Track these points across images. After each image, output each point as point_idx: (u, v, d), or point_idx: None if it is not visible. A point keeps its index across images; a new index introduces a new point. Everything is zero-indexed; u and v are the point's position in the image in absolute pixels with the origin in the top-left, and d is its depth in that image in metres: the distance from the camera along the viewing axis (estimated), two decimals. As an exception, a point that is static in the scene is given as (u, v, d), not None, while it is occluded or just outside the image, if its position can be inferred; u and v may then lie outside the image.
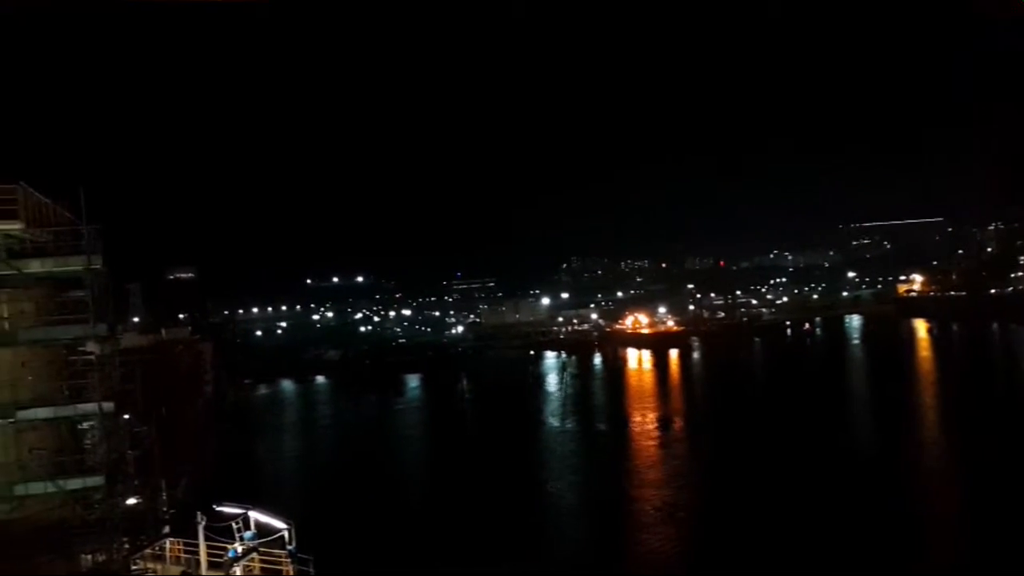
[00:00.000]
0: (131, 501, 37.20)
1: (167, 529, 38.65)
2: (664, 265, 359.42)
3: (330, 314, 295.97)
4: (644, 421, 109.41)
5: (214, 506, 32.35)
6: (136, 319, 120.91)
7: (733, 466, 78.60)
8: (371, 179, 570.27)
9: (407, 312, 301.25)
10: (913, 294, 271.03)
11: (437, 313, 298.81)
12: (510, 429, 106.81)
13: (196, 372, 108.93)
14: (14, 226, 31.19)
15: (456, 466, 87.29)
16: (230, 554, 31.21)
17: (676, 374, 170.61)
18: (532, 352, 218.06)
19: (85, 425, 34.95)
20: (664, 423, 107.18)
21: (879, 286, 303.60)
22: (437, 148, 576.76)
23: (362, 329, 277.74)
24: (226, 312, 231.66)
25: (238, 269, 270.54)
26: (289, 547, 31.21)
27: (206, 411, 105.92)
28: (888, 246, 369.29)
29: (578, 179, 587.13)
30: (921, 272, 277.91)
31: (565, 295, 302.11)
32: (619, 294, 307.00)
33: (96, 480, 31.92)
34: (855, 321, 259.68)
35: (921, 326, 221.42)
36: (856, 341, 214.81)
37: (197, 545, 31.81)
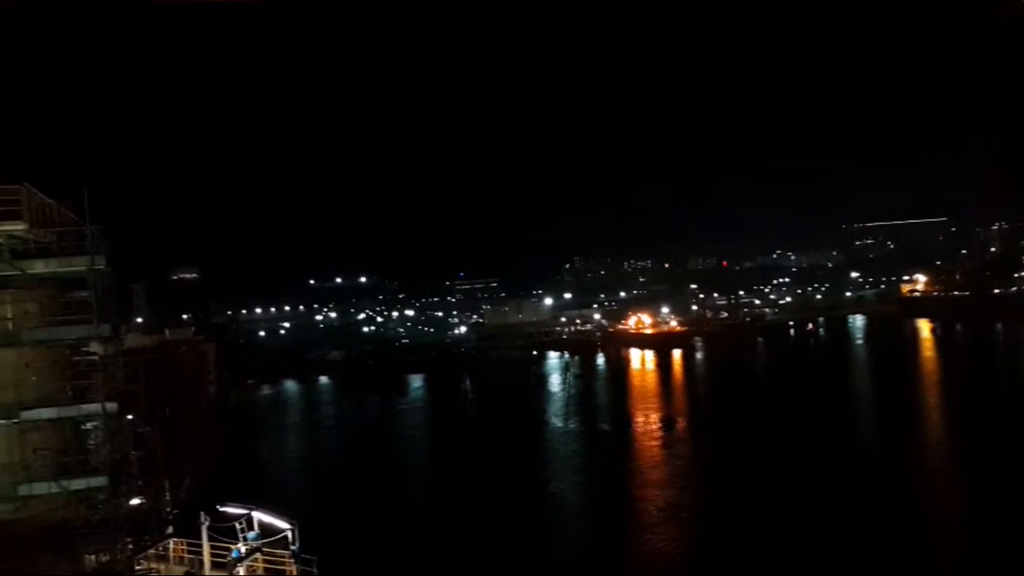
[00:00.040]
0: (135, 501, 37.24)
1: (171, 529, 38.71)
2: (667, 265, 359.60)
3: (333, 314, 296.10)
4: (647, 421, 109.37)
5: (218, 506, 32.40)
6: (140, 319, 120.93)
7: (736, 466, 78.53)
8: (374, 179, 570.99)
9: (410, 312, 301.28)
10: (916, 294, 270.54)
11: (440, 313, 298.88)
12: (513, 429, 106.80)
13: (200, 372, 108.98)
14: (18, 227, 31.25)
15: (459, 466, 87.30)
16: (234, 554, 31.26)
17: (679, 374, 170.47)
18: (535, 352, 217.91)
19: (89, 425, 35.02)
20: (667, 423, 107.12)
21: (882, 286, 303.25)
22: (440, 148, 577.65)
23: (365, 329, 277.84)
24: (230, 312, 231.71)
25: (242, 269, 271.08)
26: (292, 547, 31.25)
27: (209, 411, 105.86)
28: (891, 246, 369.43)
29: (581, 179, 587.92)
30: (924, 272, 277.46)
31: (568, 295, 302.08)
32: (622, 294, 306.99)
33: (100, 480, 31.96)
34: (858, 321, 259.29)
35: (925, 326, 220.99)
36: (859, 341, 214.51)
37: (201, 545, 31.86)
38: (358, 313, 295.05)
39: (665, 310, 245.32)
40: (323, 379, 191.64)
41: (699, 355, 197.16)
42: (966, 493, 67.78)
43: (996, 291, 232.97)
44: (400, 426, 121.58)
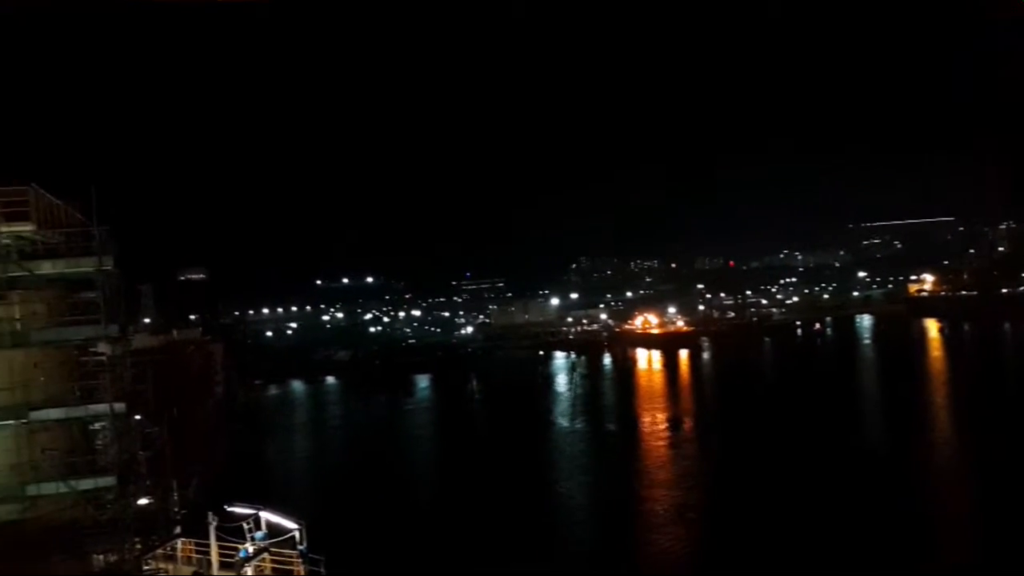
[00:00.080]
0: (143, 501, 37.32)
1: (179, 529, 38.79)
2: (674, 265, 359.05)
3: (340, 315, 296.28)
4: (654, 421, 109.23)
5: (225, 506, 32.40)
6: (147, 320, 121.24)
7: (743, 466, 78.40)
8: (381, 180, 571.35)
9: (417, 312, 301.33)
10: (924, 294, 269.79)
11: (446, 313, 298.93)
12: (520, 429, 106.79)
13: (207, 373, 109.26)
14: (26, 228, 31.34)
15: (466, 466, 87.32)
16: (241, 554, 31.26)
17: (686, 374, 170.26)
18: (541, 352, 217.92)
19: (97, 426, 35.04)
20: (674, 423, 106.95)
21: (890, 286, 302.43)
22: (447, 149, 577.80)
23: (372, 330, 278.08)
24: (237, 313, 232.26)
25: (249, 270, 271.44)
26: (300, 547, 31.25)
27: (217, 412, 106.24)
28: (899, 245, 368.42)
29: (587, 179, 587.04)
30: (932, 272, 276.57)
31: (574, 295, 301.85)
32: (628, 294, 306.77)
33: (108, 480, 32.02)
34: (866, 321, 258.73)
35: (932, 326, 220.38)
36: (867, 341, 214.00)
37: (209, 545, 31.87)
38: (365, 313, 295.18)
39: (672, 310, 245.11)
40: (330, 379, 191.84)
41: (706, 355, 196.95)
42: (974, 493, 67.57)
43: (1004, 291, 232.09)
44: (407, 426, 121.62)
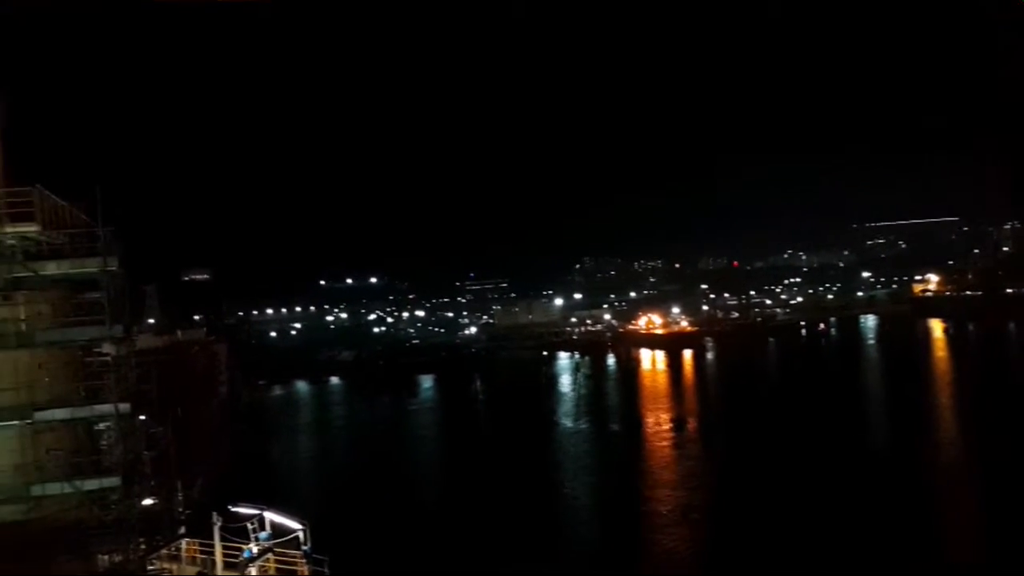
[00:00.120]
0: (147, 502, 37.30)
1: (183, 529, 38.77)
2: (677, 265, 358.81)
3: (344, 315, 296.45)
4: (658, 422, 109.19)
5: (229, 507, 32.46)
6: (152, 320, 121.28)
7: (748, 467, 78.31)
8: (385, 180, 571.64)
9: (420, 313, 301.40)
10: (929, 294, 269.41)
11: (450, 314, 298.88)
12: (524, 430, 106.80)
13: (211, 373, 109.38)
14: (30, 228, 31.33)
15: (471, 467, 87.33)
16: (245, 554, 31.31)
17: (690, 374, 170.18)
18: (545, 353, 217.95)
19: (101, 426, 35.04)
20: (678, 424, 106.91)
21: (894, 286, 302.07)
22: (451, 149, 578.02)
23: (376, 330, 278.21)
24: (241, 313, 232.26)
25: (253, 270, 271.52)
26: (304, 547, 31.28)
27: (221, 412, 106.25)
28: (903, 245, 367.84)
29: (591, 179, 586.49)
30: (937, 272, 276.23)
31: (578, 295, 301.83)
32: (632, 294, 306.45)
33: (113, 481, 32.00)
34: (870, 321, 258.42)
35: (937, 326, 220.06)
36: (871, 341, 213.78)
37: (213, 545, 31.92)
38: (369, 314, 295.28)
39: (676, 310, 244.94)
40: (334, 380, 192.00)
41: (710, 355, 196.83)
42: (979, 493, 67.41)
43: (1009, 291, 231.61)
44: (411, 426, 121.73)
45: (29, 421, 31.21)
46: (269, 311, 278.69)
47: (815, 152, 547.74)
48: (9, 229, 31.11)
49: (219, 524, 31.47)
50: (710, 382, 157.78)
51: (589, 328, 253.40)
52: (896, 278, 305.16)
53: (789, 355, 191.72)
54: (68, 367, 34.71)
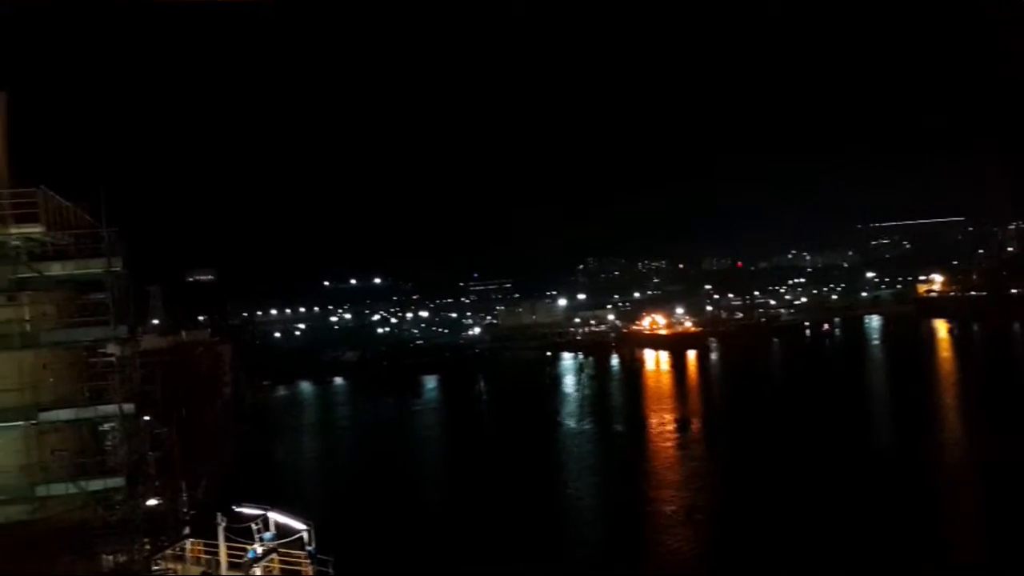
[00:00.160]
0: (152, 502, 37.36)
1: (187, 530, 38.82)
2: (681, 266, 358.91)
3: (348, 316, 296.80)
4: (662, 422, 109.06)
5: (234, 507, 32.48)
6: (156, 321, 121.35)
7: (752, 468, 78.20)
8: (388, 181, 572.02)
9: (424, 313, 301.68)
10: (933, 294, 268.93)
11: (454, 314, 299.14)
12: (527, 430, 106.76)
13: (215, 374, 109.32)
14: (35, 229, 31.42)
15: (474, 467, 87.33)
16: (250, 555, 31.32)
17: (694, 375, 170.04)
18: (549, 353, 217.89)
19: (106, 426, 35.09)
20: (682, 424, 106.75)
21: (899, 286, 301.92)
22: (455, 149, 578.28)
23: (380, 330, 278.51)
24: (245, 314, 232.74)
25: (257, 271, 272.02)
26: (308, 548, 31.29)
27: (225, 412, 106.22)
28: (907, 246, 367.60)
29: (595, 180, 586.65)
30: (941, 272, 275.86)
31: (582, 296, 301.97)
32: (636, 295, 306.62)
33: (117, 481, 32.06)
34: (875, 322, 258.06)
35: (942, 326, 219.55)
36: (876, 342, 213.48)
37: (217, 546, 31.94)
38: (372, 314, 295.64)
39: (679, 311, 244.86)
40: (338, 380, 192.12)
41: (714, 356, 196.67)
42: (984, 494, 67.24)
43: (1013, 291, 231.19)
44: (415, 427, 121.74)
45: (34, 422, 31.30)
46: (273, 312, 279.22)
47: (819, 152, 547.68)
48: (14, 230, 31.21)
49: (223, 524, 31.50)
50: (714, 383, 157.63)
51: (593, 328, 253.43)
52: (900, 278, 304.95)
53: (793, 356, 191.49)
54: (73, 368, 34.79)
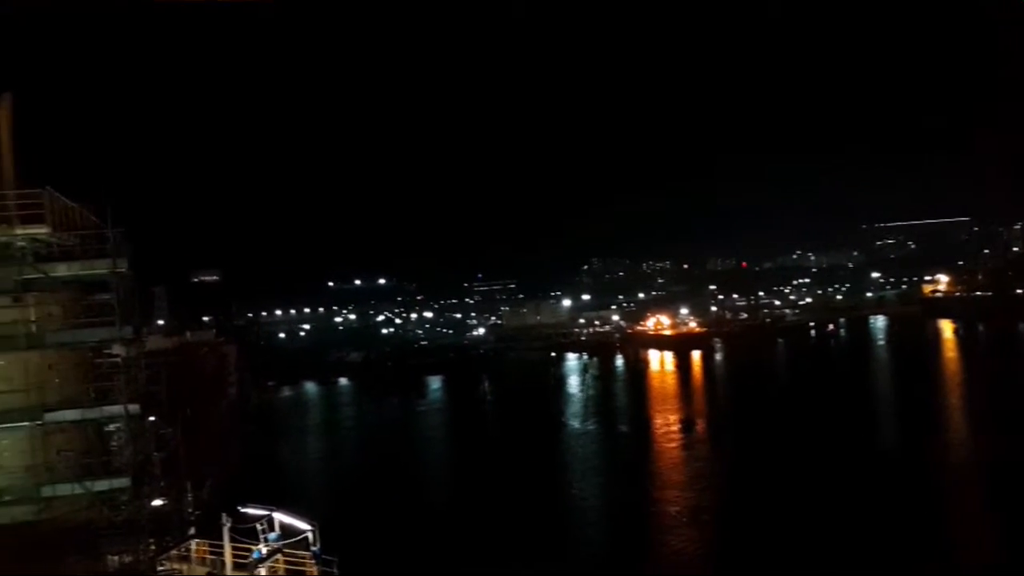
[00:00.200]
0: (157, 502, 37.46)
1: (192, 530, 38.89)
2: (686, 266, 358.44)
3: (352, 316, 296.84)
4: (666, 423, 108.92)
5: (239, 507, 32.51)
6: (161, 322, 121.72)
7: (757, 468, 78.09)
8: (393, 182, 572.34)
9: (429, 314, 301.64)
10: (939, 294, 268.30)
11: (458, 315, 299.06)
12: (532, 431, 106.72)
13: (220, 374, 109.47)
14: (41, 230, 31.51)
15: (479, 467, 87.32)
16: (255, 555, 31.36)
17: (698, 375, 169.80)
18: (553, 354, 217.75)
19: (111, 427, 35.20)
20: (687, 425, 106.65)
21: (904, 287, 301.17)
22: (459, 150, 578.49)
23: (384, 331, 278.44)
24: (250, 315, 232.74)
25: (262, 272, 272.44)
26: (313, 548, 31.34)
27: (230, 413, 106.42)
28: (913, 246, 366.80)
29: (600, 181, 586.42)
30: (946, 272, 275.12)
31: (586, 296, 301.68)
32: (640, 295, 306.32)
33: (122, 482, 32.16)
34: (880, 322, 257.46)
35: (947, 327, 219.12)
36: (881, 342, 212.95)
37: (222, 546, 31.98)
38: (377, 315, 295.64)
39: (684, 311, 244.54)
40: (343, 381, 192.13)
41: (718, 356, 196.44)
42: (989, 494, 67.07)
43: (1019, 291, 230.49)
44: (419, 427, 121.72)
45: (40, 422, 31.39)
46: (278, 312, 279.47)
47: (824, 152, 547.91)
48: (20, 231, 31.31)
49: (228, 525, 31.53)
50: (719, 383, 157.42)
51: (597, 329, 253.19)
52: (906, 279, 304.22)
53: (798, 356, 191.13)
54: (78, 368, 34.88)
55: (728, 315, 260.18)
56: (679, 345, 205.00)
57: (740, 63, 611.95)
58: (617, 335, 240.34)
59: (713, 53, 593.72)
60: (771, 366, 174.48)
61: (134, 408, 32.63)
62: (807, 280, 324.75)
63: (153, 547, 33.80)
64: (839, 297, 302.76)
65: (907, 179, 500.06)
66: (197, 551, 33.61)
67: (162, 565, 33.14)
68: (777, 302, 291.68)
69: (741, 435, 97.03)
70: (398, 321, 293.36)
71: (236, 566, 31.92)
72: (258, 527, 31.77)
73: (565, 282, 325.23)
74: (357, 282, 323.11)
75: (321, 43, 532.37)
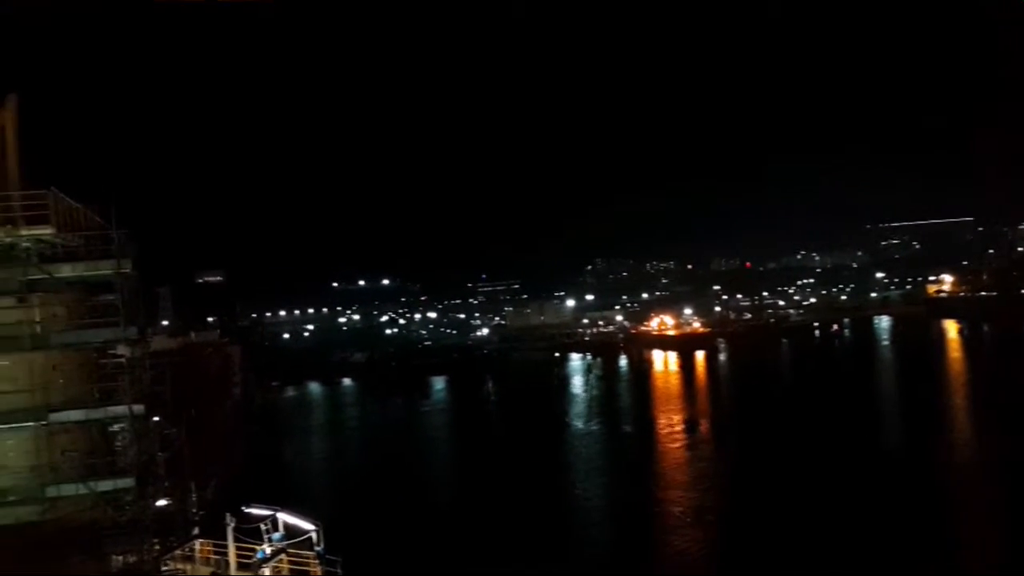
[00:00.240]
0: (161, 502, 37.50)
1: (197, 530, 38.94)
2: (689, 266, 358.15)
3: (356, 316, 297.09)
4: (670, 423, 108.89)
5: (243, 507, 32.56)
6: (166, 322, 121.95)
7: (761, 468, 78.01)
8: (397, 183, 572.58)
9: (432, 314, 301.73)
10: (943, 295, 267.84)
11: (462, 315, 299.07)
12: (536, 431, 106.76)
13: (225, 374, 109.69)
14: (45, 231, 31.53)
15: (483, 468, 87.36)
16: (259, 555, 31.41)
17: (702, 376, 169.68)
18: (557, 354, 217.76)
19: (116, 427, 35.22)
20: (690, 425, 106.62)
21: (908, 287, 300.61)
22: (463, 150, 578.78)
23: (388, 331, 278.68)
24: (254, 315, 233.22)
25: (266, 273, 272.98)
26: (317, 548, 31.37)
27: (235, 413, 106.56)
28: (917, 246, 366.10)
29: (603, 181, 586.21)
30: (951, 272, 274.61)
31: (590, 297, 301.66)
32: (644, 295, 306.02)
33: (127, 482, 32.16)
34: (884, 322, 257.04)
35: (952, 327, 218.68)
36: (885, 342, 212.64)
37: (226, 546, 32.03)
38: (381, 315, 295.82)
39: (688, 311, 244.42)
40: (346, 381, 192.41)
41: (722, 356, 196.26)
42: (995, 494, 66.93)
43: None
44: (423, 428, 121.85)
45: (44, 422, 31.41)
46: (282, 313, 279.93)
47: (828, 152, 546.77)
48: (24, 232, 31.33)
49: (232, 525, 31.57)
50: (723, 383, 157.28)
51: (601, 329, 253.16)
52: (910, 279, 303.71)
53: (802, 356, 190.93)
54: (83, 369, 34.91)
55: (732, 315, 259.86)
56: (683, 345, 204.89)
57: (744, 62, 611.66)
58: (621, 335, 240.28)
59: (717, 53, 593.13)
60: (775, 366, 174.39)
61: (138, 408, 32.63)
62: (811, 280, 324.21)
63: (157, 547, 33.82)
64: (843, 297, 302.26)
65: (911, 179, 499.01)
66: (201, 551, 33.66)
67: (166, 565, 33.18)
68: (781, 302, 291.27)
69: (745, 435, 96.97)
70: (402, 321, 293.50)
71: (240, 566, 31.96)
72: (262, 527, 31.82)
73: (569, 282, 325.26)
74: (361, 282, 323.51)
75: (322, 43, 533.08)
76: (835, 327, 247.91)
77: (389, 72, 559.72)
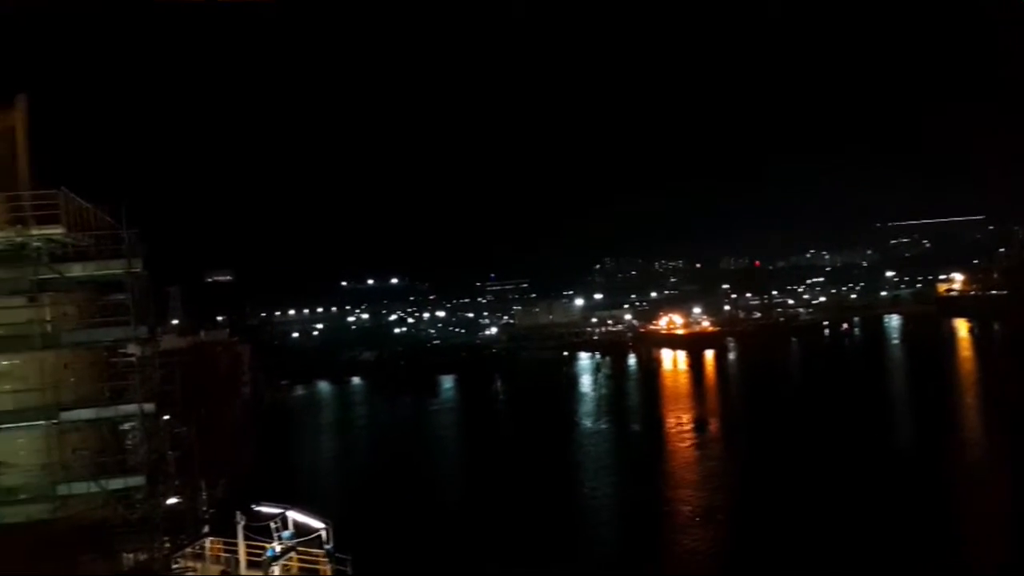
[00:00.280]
0: (172, 501, 37.64)
1: (207, 528, 39.08)
2: (698, 265, 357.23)
3: (365, 316, 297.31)
4: (679, 422, 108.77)
5: (253, 506, 32.63)
6: (175, 321, 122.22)
7: (770, 467, 77.88)
8: (406, 182, 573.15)
9: (441, 313, 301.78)
10: (953, 293, 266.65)
11: (471, 314, 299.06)
12: (545, 430, 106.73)
13: (234, 373, 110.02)
14: (56, 231, 31.65)
15: (492, 467, 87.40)
16: (269, 553, 31.46)
17: (711, 375, 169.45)
18: (566, 353, 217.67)
19: (126, 426, 35.36)
20: (699, 424, 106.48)
21: (919, 285, 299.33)
22: (473, 149, 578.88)
23: (397, 330, 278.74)
24: (263, 314, 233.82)
25: (275, 272, 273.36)
26: (327, 546, 31.41)
27: (244, 412, 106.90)
28: (928, 245, 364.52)
29: (612, 179, 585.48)
30: (962, 271, 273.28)
31: (599, 296, 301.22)
32: (653, 294, 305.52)
33: (137, 480, 32.27)
34: (894, 321, 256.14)
35: (962, 326, 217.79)
36: (896, 341, 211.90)
37: (236, 544, 32.10)
38: (390, 314, 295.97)
39: (697, 310, 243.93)
40: (355, 380, 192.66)
41: (732, 356, 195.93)
42: (1005, 494, 66.70)
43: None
44: (432, 427, 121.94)
45: (55, 421, 31.53)
46: (291, 312, 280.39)
47: (838, 151, 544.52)
48: (35, 231, 31.46)
49: (242, 523, 31.63)
50: (732, 382, 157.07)
51: (610, 328, 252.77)
52: (920, 278, 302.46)
53: (812, 355, 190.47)
54: (93, 368, 35.05)
55: (741, 314, 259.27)
56: (692, 344, 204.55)
57: (747, 61, 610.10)
58: (630, 334, 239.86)
59: (721, 52, 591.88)
60: (785, 365, 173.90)
61: (149, 407, 32.74)
62: (821, 279, 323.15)
63: (168, 545, 33.94)
64: (853, 296, 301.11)
65: (921, 178, 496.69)
66: (211, 549, 33.75)
67: (176, 563, 33.30)
68: (791, 301, 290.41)
69: (754, 434, 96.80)
70: (411, 320, 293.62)
71: (250, 564, 32.03)
72: (272, 525, 31.86)
73: (577, 281, 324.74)
74: (370, 282, 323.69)
75: (328, 43, 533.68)
76: (845, 326, 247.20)
77: (394, 72, 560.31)
